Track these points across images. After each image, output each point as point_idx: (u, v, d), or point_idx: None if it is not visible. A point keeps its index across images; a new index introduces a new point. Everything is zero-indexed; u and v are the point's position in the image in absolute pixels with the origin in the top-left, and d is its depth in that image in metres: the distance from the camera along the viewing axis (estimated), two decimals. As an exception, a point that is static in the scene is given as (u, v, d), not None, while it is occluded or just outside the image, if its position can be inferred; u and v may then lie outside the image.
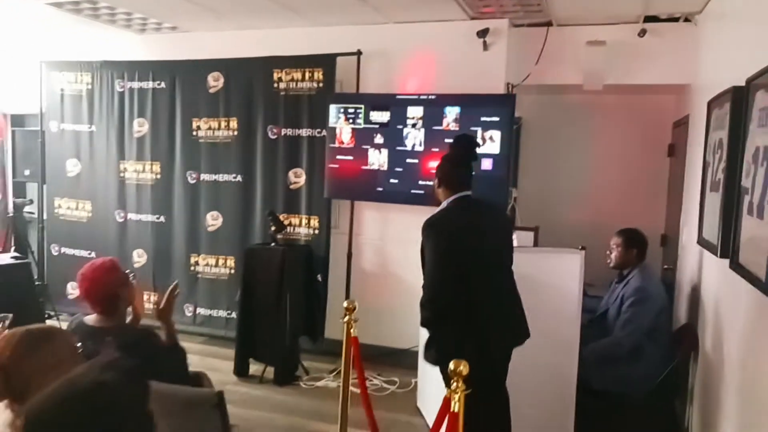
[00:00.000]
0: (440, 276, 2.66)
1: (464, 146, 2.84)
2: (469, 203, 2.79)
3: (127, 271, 2.49)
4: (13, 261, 4.77)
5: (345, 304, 3.15)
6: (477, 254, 2.70)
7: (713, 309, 3.07)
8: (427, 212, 4.35)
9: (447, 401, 2.25)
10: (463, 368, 2.21)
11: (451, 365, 2.22)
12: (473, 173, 2.80)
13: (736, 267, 2.45)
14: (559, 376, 3.13)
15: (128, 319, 2.57)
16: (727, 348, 2.74)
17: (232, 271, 5.12)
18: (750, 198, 2.31)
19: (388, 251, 4.87)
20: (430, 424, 3.62)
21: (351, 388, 3.17)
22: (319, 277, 4.81)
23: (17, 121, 6.16)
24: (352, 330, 3.12)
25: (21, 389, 1.60)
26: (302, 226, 4.92)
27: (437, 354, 2.68)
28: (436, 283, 2.67)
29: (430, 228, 2.73)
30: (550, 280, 3.25)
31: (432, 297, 2.67)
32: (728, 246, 2.58)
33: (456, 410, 2.17)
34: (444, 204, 2.82)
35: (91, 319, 2.39)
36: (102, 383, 1.17)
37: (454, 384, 2.20)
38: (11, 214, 5.33)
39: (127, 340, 2.28)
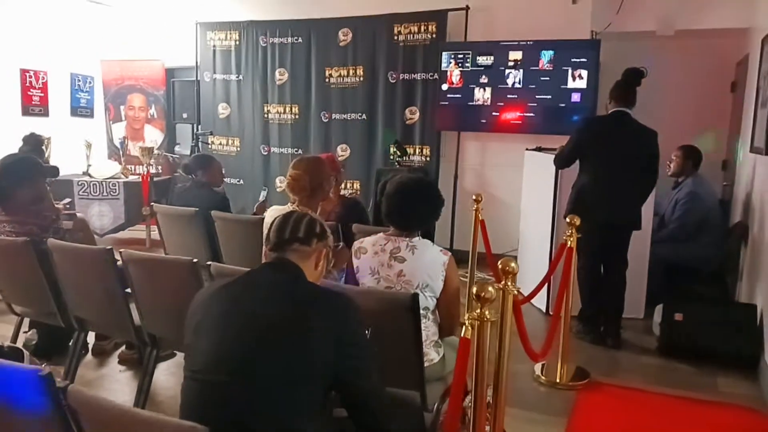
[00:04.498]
0: (567, 151, 3.76)
1: (632, 74, 3.65)
2: (622, 117, 3.64)
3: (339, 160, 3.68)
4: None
5: (474, 196, 4.25)
6: (607, 150, 3.62)
7: (759, 204, 4.00)
8: (522, 140, 5.40)
9: (563, 244, 3.34)
10: (576, 220, 3.30)
11: (568, 219, 3.31)
12: (633, 99, 3.64)
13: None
14: (637, 252, 4.12)
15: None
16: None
17: (358, 192, 6.29)
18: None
19: (486, 174, 5.93)
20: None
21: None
22: (431, 195, 5.92)
23: (171, 73, 7.43)
24: (479, 214, 4.23)
25: (312, 189, 2.71)
26: (416, 155, 6.02)
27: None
28: (563, 153, 3.78)
29: (581, 121, 3.79)
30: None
31: (557, 160, 3.84)
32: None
33: (571, 246, 3.26)
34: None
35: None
36: (423, 178, 2.33)
37: (570, 231, 3.29)
38: (192, 143, 6.63)
39: (345, 202, 3.50)
